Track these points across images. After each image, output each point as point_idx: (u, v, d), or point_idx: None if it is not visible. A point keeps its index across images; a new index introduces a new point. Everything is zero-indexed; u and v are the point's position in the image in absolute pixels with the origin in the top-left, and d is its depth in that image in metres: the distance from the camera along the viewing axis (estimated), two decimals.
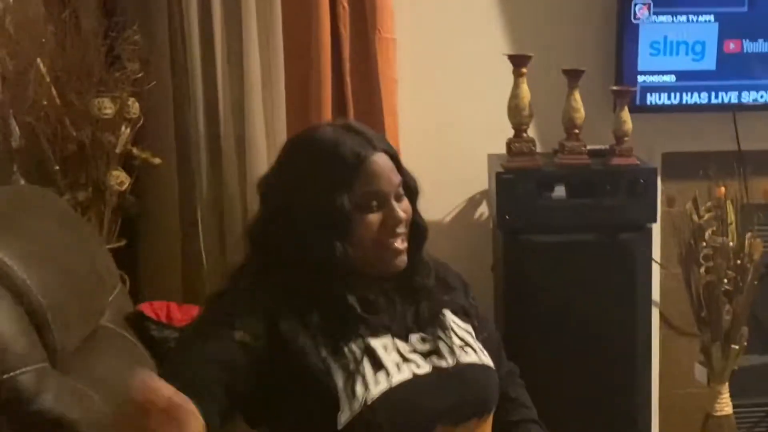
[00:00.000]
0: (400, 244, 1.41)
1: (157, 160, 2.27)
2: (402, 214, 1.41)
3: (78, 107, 2.05)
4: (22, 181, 2.05)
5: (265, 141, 2.41)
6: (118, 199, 2.16)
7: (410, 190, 1.47)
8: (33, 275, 1.52)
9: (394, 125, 2.53)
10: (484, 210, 2.74)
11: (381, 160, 1.40)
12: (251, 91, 2.37)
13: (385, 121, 2.49)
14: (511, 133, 2.39)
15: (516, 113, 2.35)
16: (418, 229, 1.48)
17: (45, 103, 2.02)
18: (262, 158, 2.40)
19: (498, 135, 2.44)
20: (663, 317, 2.80)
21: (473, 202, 2.75)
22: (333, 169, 1.38)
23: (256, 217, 1.47)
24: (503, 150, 2.42)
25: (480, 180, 2.63)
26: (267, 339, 1.32)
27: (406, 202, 1.44)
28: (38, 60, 1.99)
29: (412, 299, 1.45)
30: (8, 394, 1.40)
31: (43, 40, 2.03)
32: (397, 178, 1.42)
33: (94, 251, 1.85)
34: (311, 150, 1.43)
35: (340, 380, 1.30)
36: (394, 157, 1.44)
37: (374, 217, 1.39)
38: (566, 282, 2.35)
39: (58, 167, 2.00)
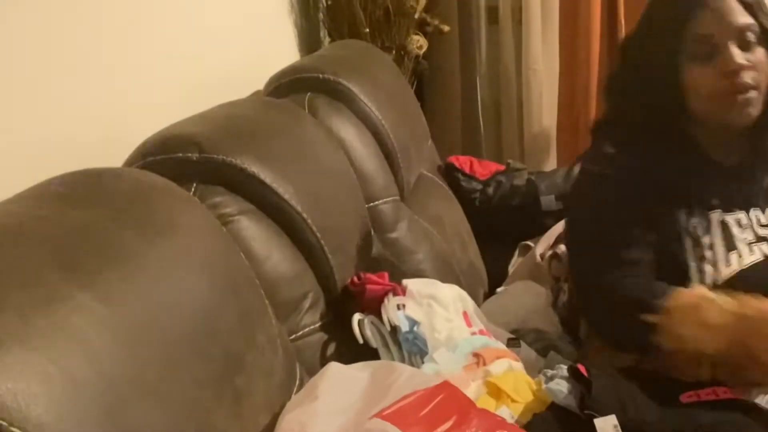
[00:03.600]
0: (743, 96, 1.21)
1: (446, 28, 2.40)
2: (739, 61, 1.19)
3: None
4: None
5: (539, 10, 2.51)
6: (414, 63, 2.29)
7: None
8: (386, 116, 1.67)
9: None
10: None
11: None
12: None
13: None
14: None
15: None
16: None
17: None
18: (536, 25, 2.50)
19: None
20: None
21: None
22: (669, 7, 1.27)
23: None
24: None
25: None
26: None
27: (761, 52, 1.23)
28: None
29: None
30: (373, 221, 1.57)
31: None
32: (743, 20, 1.21)
33: (415, 103, 2.00)
34: None
35: (690, 255, 1.22)
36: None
37: (705, 70, 1.22)
38: None
39: (368, 30, 2.13)
